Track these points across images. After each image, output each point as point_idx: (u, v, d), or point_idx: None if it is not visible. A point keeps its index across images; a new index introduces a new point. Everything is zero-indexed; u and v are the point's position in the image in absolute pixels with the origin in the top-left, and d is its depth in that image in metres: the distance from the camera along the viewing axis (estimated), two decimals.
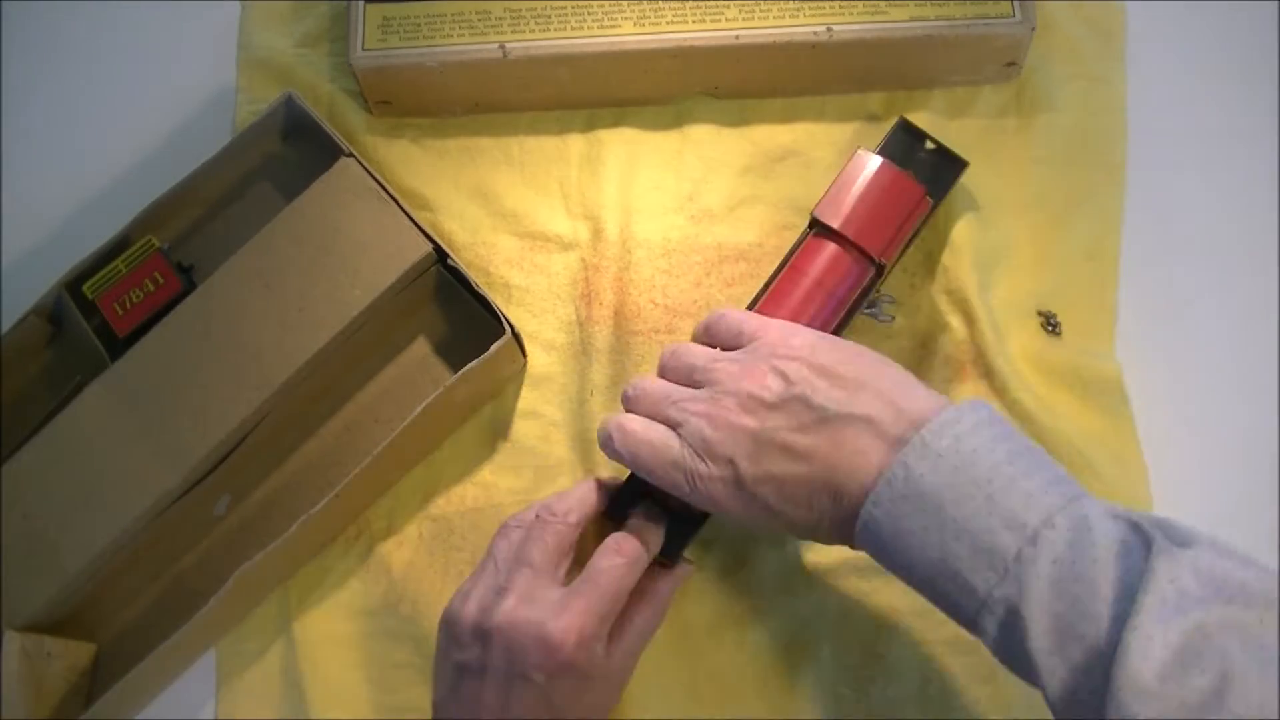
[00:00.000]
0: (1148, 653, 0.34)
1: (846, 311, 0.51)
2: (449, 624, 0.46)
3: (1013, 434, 0.41)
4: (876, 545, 0.41)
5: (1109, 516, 0.38)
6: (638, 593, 0.47)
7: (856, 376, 0.43)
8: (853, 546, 0.43)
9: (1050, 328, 0.56)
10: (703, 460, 0.44)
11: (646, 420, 0.46)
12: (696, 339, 0.50)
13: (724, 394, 0.44)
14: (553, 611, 0.43)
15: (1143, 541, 0.37)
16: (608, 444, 0.47)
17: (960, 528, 0.38)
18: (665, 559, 0.49)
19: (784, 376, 0.43)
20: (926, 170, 0.55)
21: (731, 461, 0.43)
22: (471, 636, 0.44)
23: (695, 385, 0.46)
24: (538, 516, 0.47)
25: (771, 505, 0.43)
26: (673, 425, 0.45)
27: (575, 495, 0.48)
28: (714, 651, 0.53)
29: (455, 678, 0.45)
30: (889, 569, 0.42)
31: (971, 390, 0.55)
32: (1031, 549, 0.37)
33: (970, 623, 0.39)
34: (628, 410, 0.48)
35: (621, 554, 0.45)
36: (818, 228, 0.51)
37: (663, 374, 0.48)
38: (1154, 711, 0.34)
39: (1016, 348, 0.56)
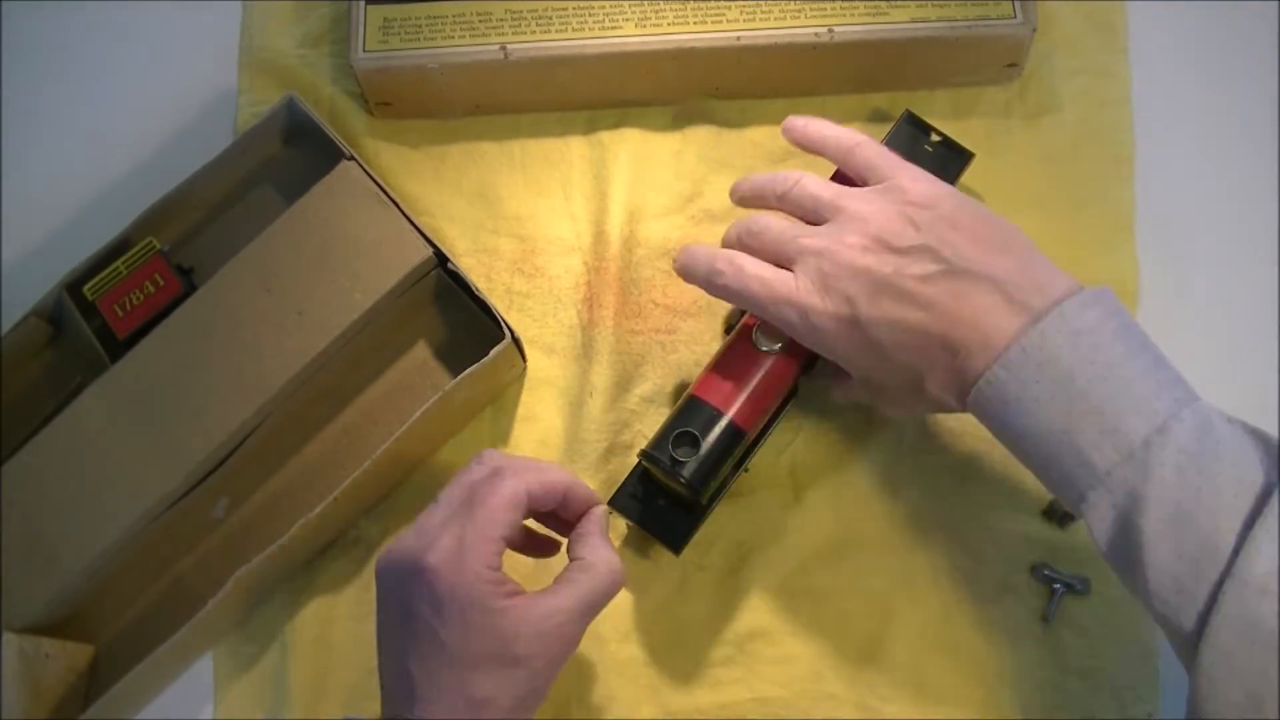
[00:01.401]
0: (1270, 552, 0.36)
1: None
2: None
3: (1136, 327, 0.42)
4: (996, 407, 0.41)
5: (1227, 420, 0.40)
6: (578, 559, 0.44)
7: (990, 237, 0.43)
8: (958, 407, 0.43)
9: None
10: (819, 295, 0.44)
11: (758, 261, 0.46)
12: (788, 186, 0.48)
13: (849, 232, 0.44)
14: (430, 538, 0.41)
15: (1262, 447, 0.39)
16: (715, 279, 0.46)
17: (1090, 405, 0.39)
18: (671, 551, 0.50)
19: (913, 223, 0.43)
20: (932, 162, 0.55)
21: (849, 299, 0.43)
22: (377, 580, 0.43)
23: (818, 220, 0.46)
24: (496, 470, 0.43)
25: (885, 348, 0.43)
26: (789, 262, 0.45)
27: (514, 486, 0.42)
28: (708, 649, 0.52)
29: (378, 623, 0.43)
30: (1000, 434, 0.42)
31: None
32: (1160, 437, 0.39)
33: (1079, 497, 0.40)
34: (743, 246, 0.47)
35: (484, 464, 0.43)
36: None
37: (781, 206, 0.48)
38: (1267, 609, 0.35)
39: None
